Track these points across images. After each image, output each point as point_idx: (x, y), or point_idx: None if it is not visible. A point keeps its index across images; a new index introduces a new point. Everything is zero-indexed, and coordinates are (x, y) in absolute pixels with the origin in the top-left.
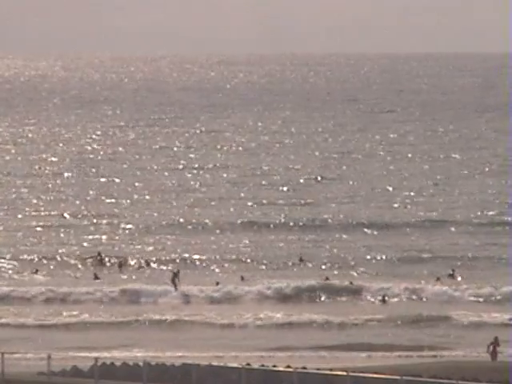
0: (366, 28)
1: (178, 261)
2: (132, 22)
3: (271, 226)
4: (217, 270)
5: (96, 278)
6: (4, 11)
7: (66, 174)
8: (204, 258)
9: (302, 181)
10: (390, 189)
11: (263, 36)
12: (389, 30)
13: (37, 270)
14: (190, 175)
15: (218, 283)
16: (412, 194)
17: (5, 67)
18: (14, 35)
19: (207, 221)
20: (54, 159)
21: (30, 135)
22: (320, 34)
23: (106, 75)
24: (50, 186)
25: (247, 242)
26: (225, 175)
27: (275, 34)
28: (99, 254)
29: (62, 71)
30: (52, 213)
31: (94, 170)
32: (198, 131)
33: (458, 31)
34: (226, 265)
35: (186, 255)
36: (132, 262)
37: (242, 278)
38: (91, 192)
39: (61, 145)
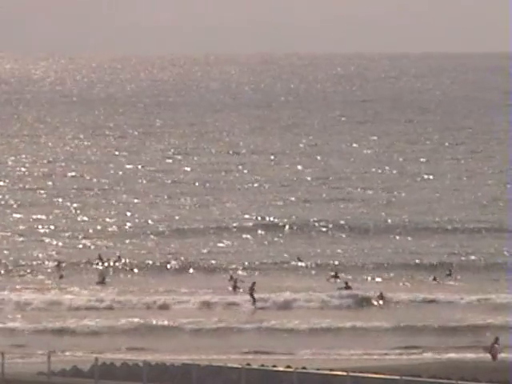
0: (366, 28)
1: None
2: (132, 22)
3: (270, 228)
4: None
5: (102, 281)
6: (4, 11)
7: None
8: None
9: (300, 182)
10: (389, 191)
11: (263, 35)
12: (389, 30)
13: (61, 276)
14: (191, 177)
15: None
16: (410, 196)
17: (4, 67)
18: (14, 35)
19: (204, 224)
20: (47, 160)
21: (26, 136)
22: (320, 33)
23: (104, 75)
24: (44, 188)
25: (247, 244)
26: (224, 176)
27: (275, 32)
28: (99, 256)
29: (60, 71)
30: (55, 216)
31: (93, 172)
32: (196, 132)
33: (458, 31)
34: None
35: (191, 259)
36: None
37: (234, 280)
38: (92, 194)
39: (51, 145)
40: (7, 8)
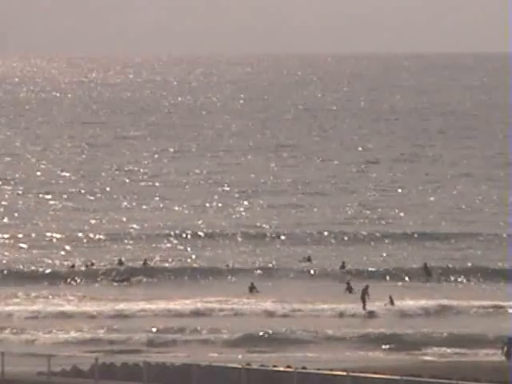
0: (365, 27)
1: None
2: (131, 22)
3: (274, 233)
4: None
5: (123, 280)
6: (4, 11)
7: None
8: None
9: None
10: (390, 198)
11: (263, 35)
12: (388, 30)
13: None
14: (193, 178)
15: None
16: (411, 201)
17: (4, 67)
18: (14, 35)
19: (209, 229)
20: (47, 163)
21: (26, 136)
22: (320, 33)
23: (101, 76)
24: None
25: (254, 251)
26: (219, 182)
27: (274, 33)
28: (92, 262)
29: (58, 71)
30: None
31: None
32: (193, 133)
33: (457, 31)
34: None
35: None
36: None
37: (252, 290)
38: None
39: (49, 146)
40: (8, 8)
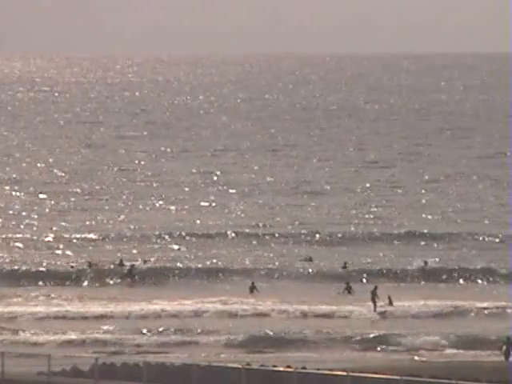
0: (364, 27)
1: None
2: (131, 22)
3: (274, 234)
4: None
5: (132, 278)
6: (4, 11)
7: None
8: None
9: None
10: (384, 200)
11: (261, 35)
12: (388, 30)
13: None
14: (191, 179)
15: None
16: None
17: (4, 67)
18: (14, 35)
19: (208, 230)
20: (45, 165)
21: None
22: (319, 33)
23: (100, 76)
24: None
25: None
26: (218, 182)
27: (274, 33)
28: (89, 263)
29: (57, 71)
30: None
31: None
32: (191, 134)
33: (457, 31)
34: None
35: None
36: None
37: (252, 290)
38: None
39: (46, 147)
40: (8, 8)
